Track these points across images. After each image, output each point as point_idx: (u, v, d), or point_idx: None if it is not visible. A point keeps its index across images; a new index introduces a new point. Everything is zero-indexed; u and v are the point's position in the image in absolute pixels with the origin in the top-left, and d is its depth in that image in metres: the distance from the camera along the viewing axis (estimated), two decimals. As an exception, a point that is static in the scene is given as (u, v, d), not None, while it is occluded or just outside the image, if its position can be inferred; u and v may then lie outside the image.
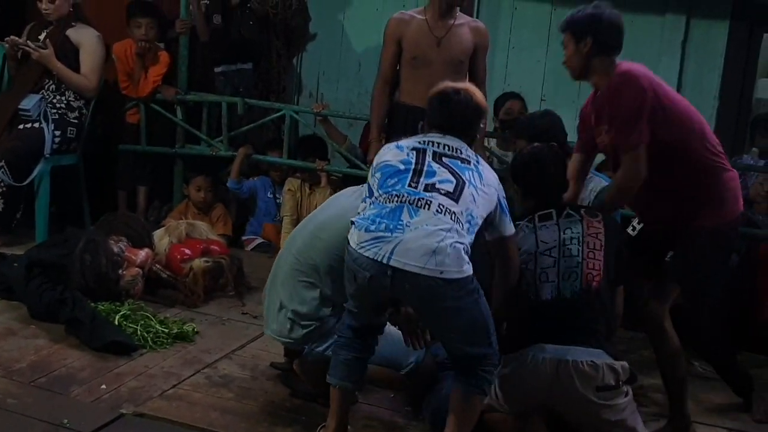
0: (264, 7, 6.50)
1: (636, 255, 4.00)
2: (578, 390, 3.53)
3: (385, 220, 3.28)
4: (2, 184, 5.63)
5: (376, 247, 3.25)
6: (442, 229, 3.23)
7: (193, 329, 4.66)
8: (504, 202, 3.57)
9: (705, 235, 3.90)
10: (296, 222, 6.15)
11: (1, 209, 5.67)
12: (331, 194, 5.78)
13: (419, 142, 3.50)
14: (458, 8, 5.03)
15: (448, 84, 3.66)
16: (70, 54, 5.83)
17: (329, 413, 3.59)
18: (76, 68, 5.83)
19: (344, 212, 3.69)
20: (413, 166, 3.40)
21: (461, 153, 3.49)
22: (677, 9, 6.18)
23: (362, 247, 3.28)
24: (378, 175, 3.46)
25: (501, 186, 3.58)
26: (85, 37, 5.88)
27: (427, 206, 3.28)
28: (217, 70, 6.56)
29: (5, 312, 4.71)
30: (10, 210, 5.73)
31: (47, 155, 5.72)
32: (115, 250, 4.91)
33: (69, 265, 4.78)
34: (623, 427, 3.62)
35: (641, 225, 4.13)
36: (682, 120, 3.86)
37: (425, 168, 3.39)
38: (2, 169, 5.57)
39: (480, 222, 3.41)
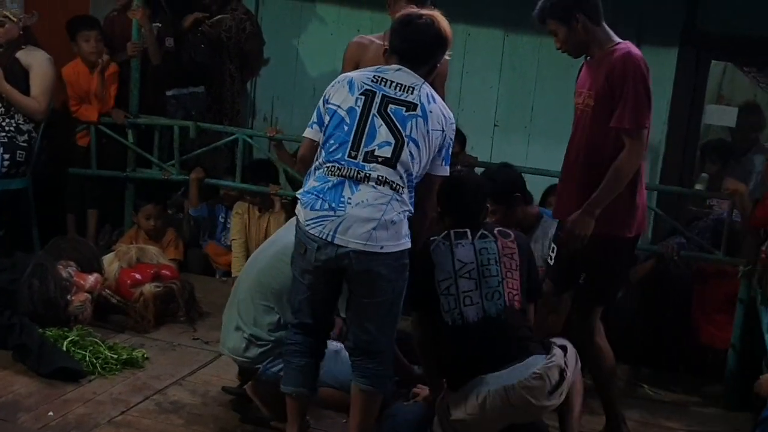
0: (217, 31, 6.48)
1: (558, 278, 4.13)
2: (534, 405, 3.55)
3: (327, 198, 3.40)
4: (-50, 207, 5.54)
5: (320, 225, 3.39)
6: (381, 204, 3.37)
7: (143, 355, 4.61)
8: (448, 143, 3.60)
9: (621, 246, 3.99)
10: (245, 245, 6.14)
11: (-50, 233, 5.59)
12: (285, 219, 5.78)
13: (372, 80, 3.51)
14: None
15: (415, 9, 3.70)
16: (19, 76, 5.76)
17: (288, 423, 3.65)
18: (26, 91, 5.76)
19: None
20: (356, 124, 3.44)
21: (411, 93, 3.49)
22: (626, 35, 6.24)
23: (308, 225, 3.43)
24: (327, 118, 3.52)
25: (452, 128, 3.60)
26: (35, 60, 5.82)
27: (366, 179, 3.39)
28: (169, 93, 6.52)
29: (-49, 338, 4.63)
30: (-42, 234, 5.64)
31: (-4, 179, 5.64)
32: (64, 275, 4.85)
33: (17, 290, 4.72)
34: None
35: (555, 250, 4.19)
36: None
37: (368, 127, 3.44)
38: (-50, 193, 5.49)
39: (424, 168, 3.52)
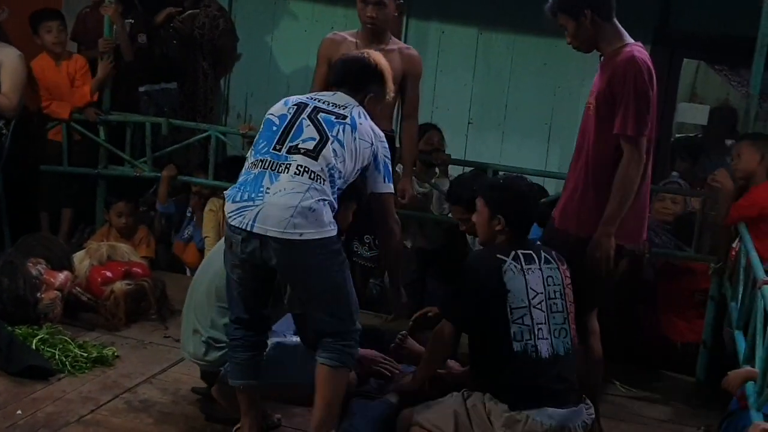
0: (189, 27, 6.45)
1: None
2: None
3: (248, 189, 3.47)
4: None
5: (240, 216, 3.43)
6: (298, 192, 3.39)
7: (113, 353, 4.58)
8: (383, 159, 3.67)
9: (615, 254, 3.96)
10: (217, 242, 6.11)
11: None
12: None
13: (307, 97, 3.69)
14: (390, 34, 5.01)
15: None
16: (-11, 73, 5.71)
17: (242, 414, 3.71)
18: (-4, 87, 5.71)
19: None
20: (285, 124, 3.56)
21: (342, 109, 3.60)
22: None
23: (230, 218, 3.47)
24: (261, 128, 3.65)
25: (383, 145, 3.68)
26: (5, 56, 5.75)
27: (286, 169, 3.45)
28: (141, 89, 6.49)
29: None
30: (-72, 232, 5.59)
31: (-34, 176, 5.60)
32: (34, 272, 4.81)
33: (-15, 288, 4.68)
34: None
35: None
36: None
37: (295, 127, 3.54)
38: None
39: (350, 174, 3.55)
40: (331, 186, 3.46)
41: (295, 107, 3.61)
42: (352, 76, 3.74)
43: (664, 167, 6.50)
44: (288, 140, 3.51)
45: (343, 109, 3.61)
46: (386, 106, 4.76)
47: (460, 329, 3.70)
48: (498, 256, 3.57)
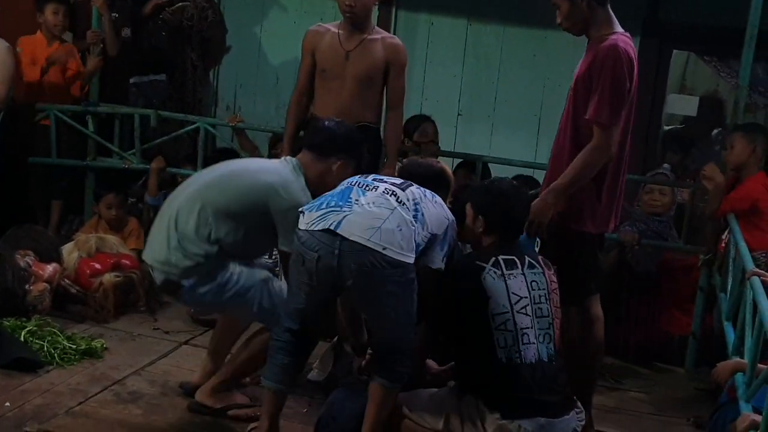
0: (178, 18, 6.42)
1: None
2: None
3: (334, 199, 3.47)
4: None
5: (325, 220, 3.38)
6: (388, 209, 3.38)
7: (102, 345, 4.58)
8: (449, 238, 3.59)
9: (583, 241, 4.00)
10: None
11: None
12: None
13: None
14: (372, 23, 4.97)
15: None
16: (-24, 66, 5.68)
17: (262, 413, 3.68)
18: (-16, 79, 5.68)
19: (269, 168, 3.89)
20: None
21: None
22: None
23: (312, 224, 3.40)
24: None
25: (453, 223, 3.61)
26: (-8, 48, 5.74)
27: (374, 189, 3.47)
28: (130, 81, 6.45)
29: None
30: None
31: (-47, 168, 5.57)
32: (22, 264, 4.79)
33: (-27, 280, 4.66)
34: None
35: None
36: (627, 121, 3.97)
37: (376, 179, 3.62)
38: None
39: (428, 227, 3.46)
40: (416, 222, 3.42)
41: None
42: (426, 181, 3.72)
43: (654, 159, 6.51)
44: (370, 178, 3.59)
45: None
46: (371, 95, 4.78)
47: (434, 332, 3.70)
48: (477, 263, 3.55)
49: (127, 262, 5.29)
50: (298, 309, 3.55)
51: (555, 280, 3.66)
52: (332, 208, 3.41)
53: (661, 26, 6.25)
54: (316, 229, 3.38)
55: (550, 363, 3.52)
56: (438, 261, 3.54)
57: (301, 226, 3.45)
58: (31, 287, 4.78)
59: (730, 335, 4.13)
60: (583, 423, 3.61)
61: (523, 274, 3.56)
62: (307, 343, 3.68)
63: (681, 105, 7.32)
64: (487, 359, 3.46)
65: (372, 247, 3.29)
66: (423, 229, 3.44)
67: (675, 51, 6.82)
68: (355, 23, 4.83)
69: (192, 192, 3.86)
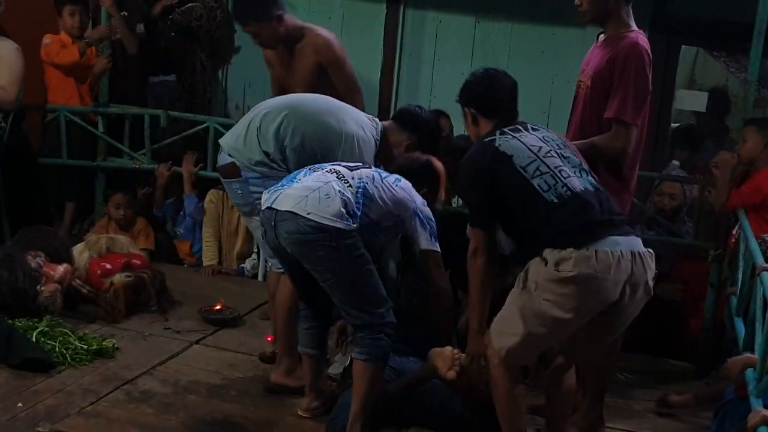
0: (187, 19, 6.44)
1: None
2: (646, 282, 3.42)
3: (284, 181, 3.83)
4: None
5: (269, 199, 3.76)
6: (321, 182, 3.69)
7: (114, 345, 4.59)
8: (422, 216, 3.99)
9: None
10: (217, 234, 6.11)
11: None
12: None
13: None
14: (304, 31, 4.93)
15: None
16: (-13, 67, 5.71)
17: (303, 376, 4.11)
18: (-6, 81, 5.71)
19: (360, 119, 4.27)
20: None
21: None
22: (598, 22, 6.29)
23: (263, 204, 3.79)
24: None
25: (424, 207, 4.01)
26: (3, 50, 5.75)
27: (321, 170, 3.80)
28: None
29: None
30: (-74, 226, 5.59)
31: (-35, 170, 5.59)
32: (33, 265, 4.81)
33: (-16, 281, 4.68)
34: None
35: None
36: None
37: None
38: None
39: (377, 205, 3.77)
40: (356, 195, 3.69)
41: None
42: (412, 172, 4.14)
43: (663, 155, 6.49)
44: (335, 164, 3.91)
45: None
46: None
47: (491, 228, 3.58)
48: (485, 140, 3.58)
49: (138, 261, 5.30)
50: (290, 276, 3.97)
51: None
52: (277, 188, 3.76)
53: (669, 21, 6.23)
54: (263, 207, 3.78)
55: (598, 190, 3.51)
56: (426, 241, 4.00)
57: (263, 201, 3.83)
58: (43, 288, 4.79)
59: (741, 331, 4.12)
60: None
61: (531, 133, 3.58)
62: (318, 307, 3.95)
63: (690, 101, 7.29)
64: (539, 209, 3.41)
65: (296, 212, 3.60)
66: (373, 204, 3.74)
67: (683, 46, 6.79)
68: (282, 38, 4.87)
69: (282, 103, 4.28)
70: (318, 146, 4.13)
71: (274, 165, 4.12)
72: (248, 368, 4.53)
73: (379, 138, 4.26)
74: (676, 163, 6.32)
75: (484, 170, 3.50)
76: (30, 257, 4.86)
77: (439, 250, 4.05)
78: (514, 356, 3.45)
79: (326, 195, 3.63)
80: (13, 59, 5.78)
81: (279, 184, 3.81)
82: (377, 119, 4.38)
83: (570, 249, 3.31)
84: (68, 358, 4.36)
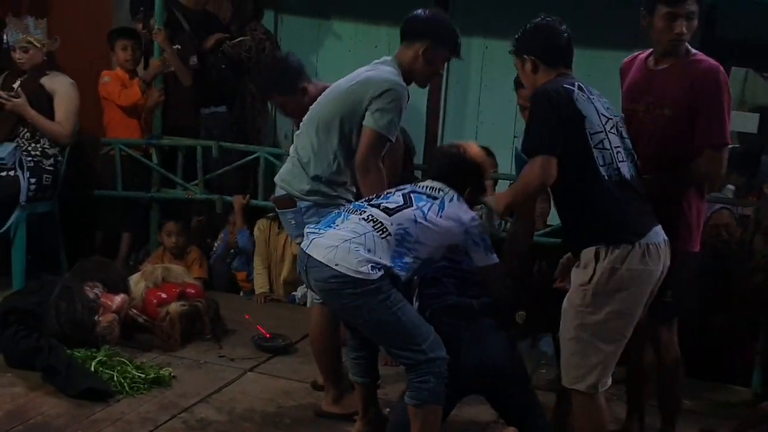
0: (237, 51, 6.54)
1: None
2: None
3: (323, 224, 3.74)
4: (-22, 232, 5.64)
5: (305, 241, 3.71)
6: (356, 231, 3.58)
7: (170, 373, 4.65)
8: (476, 236, 3.76)
9: (692, 260, 3.97)
10: (267, 262, 6.18)
11: (-22, 258, 5.69)
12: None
13: (411, 183, 3.95)
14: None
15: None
16: (44, 102, 5.85)
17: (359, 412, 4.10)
18: (51, 115, 5.86)
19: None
20: (381, 197, 3.80)
21: (435, 191, 3.79)
22: (646, 44, 6.28)
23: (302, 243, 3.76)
24: None
25: (473, 224, 3.76)
26: (59, 85, 5.92)
27: (359, 214, 3.67)
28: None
29: (-19, 361, 4.70)
30: (-14, 259, 5.74)
31: (23, 203, 5.72)
32: (91, 296, 4.89)
33: (45, 312, 4.77)
34: None
35: None
36: None
37: (385, 193, 3.81)
38: (-22, 219, 5.58)
39: (425, 245, 3.65)
40: (398, 245, 3.59)
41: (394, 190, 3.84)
42: (448, 171, 3.88)
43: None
44: (379, 200, 3.75)
45: (435, 191, 3.79)
46: None
47: (555, 157, 3.43)
48: (565, 86, 3.49)
49: (192, 291, 5.38)
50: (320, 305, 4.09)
51: None
52: (313, 231, 3.70)
53: (718, 43, 6.20)
54: (300, 246, 3.74)
55: (638, 179, 3.55)
56: (482, 258, 3.80)
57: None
58: (100, 318, 4.87)
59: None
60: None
61: (600, 100, 3.55)
62: (363, 336, 3.86)
63: (742, 122, 7.21)
64: (591, 181, 3.42)
65: (325, 263, 3.53)
66: (420, 246, 3.63)
67: (733, 68, 6.75)
68: None
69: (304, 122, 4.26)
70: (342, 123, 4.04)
71: (328, 190, 4.08)
72: (302, 396, 4.57)
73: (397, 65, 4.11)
74: (731, 187, 6.19)
75: (560, 113, 3.40)
76: (88, 288, 4.95)
77: (496, 260, 3.84)
78: (604, 383, 3.51)
79: (357, 247, 3.52)
80: (69, 94, 5.94)
81: (317, 226, 3.75)
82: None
83: (625, 245, 3.39)
84: (126, 387, 4.42)
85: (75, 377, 4.38)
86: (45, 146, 5.87)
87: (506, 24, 6.57)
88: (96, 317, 4.85)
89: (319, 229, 3.69)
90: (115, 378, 4.46)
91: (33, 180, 5.77)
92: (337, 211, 3.78)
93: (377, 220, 3.61)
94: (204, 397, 4.47)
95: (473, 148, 3.97)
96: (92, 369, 4.50)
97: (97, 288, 4.99)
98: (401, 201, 3.70)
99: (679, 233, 3.87)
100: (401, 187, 3.86)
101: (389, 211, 3.65)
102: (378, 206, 3.68)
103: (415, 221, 3.63)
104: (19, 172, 5.72)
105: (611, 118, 3.54)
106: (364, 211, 3.66)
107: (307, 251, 3.62)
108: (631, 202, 3.48)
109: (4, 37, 5.88)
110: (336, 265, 3.51)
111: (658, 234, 3.48)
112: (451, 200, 3.76)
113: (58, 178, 5.95)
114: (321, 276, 3.57)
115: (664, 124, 3.87)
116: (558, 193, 3.58)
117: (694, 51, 3.91)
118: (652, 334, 4.03)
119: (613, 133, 3.52)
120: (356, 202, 3.85)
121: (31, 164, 5.79)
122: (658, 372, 4.12)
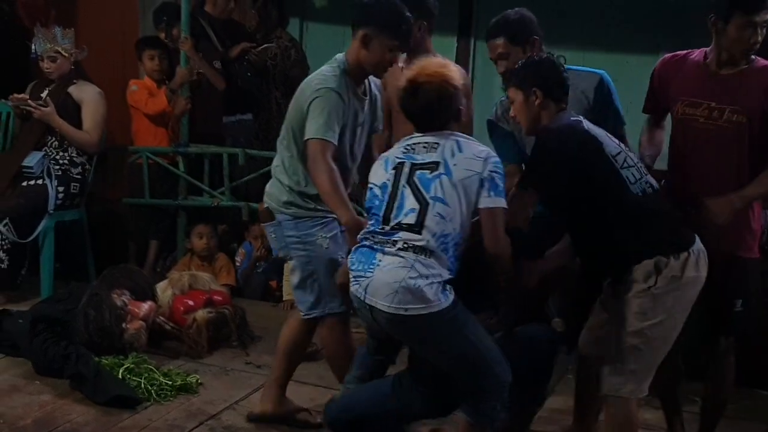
0: (262, 58, 6.57)
1: None
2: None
3: (362, 260, 3.49)
4: (7, 241, 5.69)
5: (356, 284, 3.48)
6: (404, 267, 3.36)
7: (197, 380, 4.66)
8: (490, 178, 3.45)
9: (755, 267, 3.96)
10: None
11: (6, 266, 5.75)
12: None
13: (404, 151, 3.59)
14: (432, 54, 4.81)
15: (419, 71, 3.61)
16: (72, 111, 5.91)
17: None
18: (78, 124, 5.91)
19: None
20: (388, 198, 3.52)
21: (434, 153, 3.50)
22: (671, 48, 6.24)
23: (352, 288, 3.52)
24: (366, 197, 3.66)
25: (489, 162, 3.47)
26: (86, 94, 5.97)
27: (393, 245, 3.42)
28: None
29: (10, 368, 4.74)
30: (15, 266, 5.80)
31: (51, 211, 5.78)
32: (119, 303, 4.92)
33: (73, 320, 4.81)
34: None
35: None
36: None
37: (397, 199, 3.50)
38: (7, 227, 5.64)
39: (462, 223, 3.43)
40: (444, 251, 3.40)
41: (394, 171, 3.55)
42: (433, 115, 3.59)
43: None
44: (393, 216, 3.48)
45: (435, 150, 3.51)
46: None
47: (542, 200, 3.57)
48: (570, 120, 3.53)
49: (219, 298, 5.39)
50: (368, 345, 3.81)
51: None
52: (360, 273, 3.46)
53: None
54: (351, 290, 3.52)
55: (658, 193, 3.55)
56: (486, 200, 3.44)
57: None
58: (128, 325, 4.90)
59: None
60: None
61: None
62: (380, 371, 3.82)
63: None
64: (625, 203, 3.43)
65: (394, 312, 3.36)
66: (460, 225, 3.42)
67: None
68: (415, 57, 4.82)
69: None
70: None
71: (302, 202, 3.97)
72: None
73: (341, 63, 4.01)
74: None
75: (571, 159, 3.41)
76: (115, 295, 4.97)
77: (504, 204, 3.47)
78: (643, 389, 3.53)
79: (415, 285, 3.32)
80: (97, 103, 6.00)
81: (358, 267, 3.48)
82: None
83: (683, 253, 3.40)
84: (153, 394, 4.44)
85: (103, 384, 4.40)
86: (73, 155, 5.93)
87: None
88: (124, 324, 4.88)
89: (365, 271, 3.45)
90: (143, 385, 4.48)
91: (61, 188, 5.83)
92: (365, 245, 3.52)
93: (413, 245, 3.39)
94: (231, 404, 4.48)
95: (448, 73, 3.60)
96: (120, 376, 4.53)
97: (124, 295, 5.02)
98: (415, 205, 3.45)
99: (746, 241, 3.88)
100: (398, 162, 3.55)
101: (415, 228, 3.42)
102: (400, 227, 3.45)
103: (441, 217, 3.41)
104: (47, 181, 5.78)
105: (615, 138, 3.57)
106: (395, 241, 3.43)
107: (367, 302, 3.43)
108: (670, 211, 3.51)
109: (33, 46, 5.94)
110: (406, 310, 3.34)
111: (699, 241, 3.49)
112: (451, 154, 3.49)
113: (85, 187, 6.01)
114: (393, 321, 3.40)
115: (734, 131, 3.81)
116: (589, 224, 3.53)
117: (753, 57, 3.85)
118: (711, 341, 4.02)
119: (626, 151, 3.53)
120: (374, 226, 3.55)
121: (59, 173, 5.85)
122: (711, 379, 4.10)
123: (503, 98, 4.20)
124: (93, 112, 5.96)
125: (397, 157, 3.59)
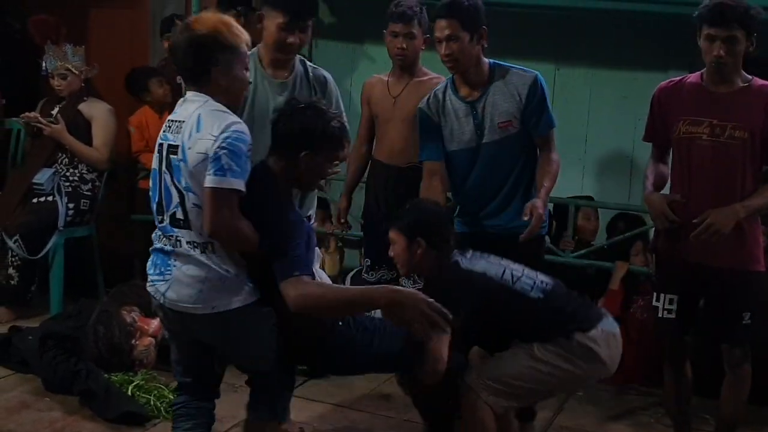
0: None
1: None
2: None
3: (159, 263, 3.33)
4: (17, 257, 5.72)
5: (152, 286, 3.35)
6: (202, 263, 3.18)
7: (206, 397, 4.66)
8: (215, 157, 3.03)
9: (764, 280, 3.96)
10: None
11: (16, 282, 5.78)
12: (340, 259, 5.82)
13: (165, 128, 3.27)
14: (420, 66, 5.04)
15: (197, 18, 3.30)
16: (82, 128, 5.95)
17: None
18: (89, 141, 5.94)
19: None
20: (157, 187, 3.25)
21: (178, 132, 3.16)
22: (679, 65, 6.26)
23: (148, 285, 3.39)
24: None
25: (216, 140, 3.04)
26: (97, 111, 6.00)
27: (178, 244, 3.21)
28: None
29: (20, 385, 4.75)
30: (25, 283, 5.83)
31: (61, 228, 5.81)
32: (128, 320, 4.93)
33: (82, 336, 4.83)
34: None
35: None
36: None
37: (163, 189, 3.21)
38: (17, 243, 5.66)
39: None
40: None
41: (158, 154, 3.25)
42: (188, 62, 3.22)
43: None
44: (165, 209, 3.23)
45: (179, 131, 3.16)
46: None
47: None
48: (446, 260, 3.56)
49: (228, 314, 5.39)
50: (176, 359, 3.67)
51: None
52: (157, 278, 3.36)
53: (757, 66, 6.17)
54: (150, 291, 3.42)
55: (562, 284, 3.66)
56: (208, 176, 3.05)
57: None
58: (137, 342, 4.91)
59: None
60: None
61: (482, 256, 3.63)
62: (206, 400, 3.76)
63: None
64: (529, 311, 3.51)
65: (200, 312, 3.24)
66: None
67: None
68: (404, 67, 4.97)
69: None
70: None
71: None
72: (337, 419, 4.58)
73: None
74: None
75: (476, 310, 3.45)
76: (125, 312, 4.98)
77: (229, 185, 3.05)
78: (500, 403, 3.53)
79: (219, 279, 3.20)
80: (107, 120, 6.03)
81: (154, 265, 3.41)
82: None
83: (579, 333, 3.47)
84: (163, 411, 4.44)
85: (112, 401, 4.42)
86: (83, 172, 5.95)
87: (539, 46, 6.64)
88: (133, 341, 4.89)
89: (163, 272, 3.31)
90: (152, 402, 4.49)
91: (71, 205, 5.85)
92: (158, 247, 3.35)
93: (194, 242, 3.20)
94: (240, 421, 4.44)
95: (202, 19, 3.24)
96: (129, 393, 4.54)
97: (134, 312, 5.02)
98: (176, 197, 3.18)
99: (753, 254, 3.90)
100: (159, 143, 3.25)
101: (186, 224, 3.19)
102: (178, 222, 3.19)
103: (200, 208, 3.12)
104: (57, 198, 5.80)
105: (499, 260, 3.61)
106: (178, 239, 3.23)
107: (166, 305, 3.33)
108: (569, 301, 3.62)
109: (43, 64, 5.97)
110: (213, 308, 3.22)
111: (612, 324, 3.62)
112: (189, 135, 3.12)
113: (95, 203, 6.03)
114: (206, 325, 3.29)
115: (738, 146, 3.84)
116: (501, 335, 3.62)
117: (750, 77, 3.88)
118: (726, 355, 4.01)
119: (508, 264, 3.59)
120: (160, 225, 3.31)
121: (69, 189, 5.87)
122: (727, 391, 4.08)
123: (438, 90, 4.32)
124: (103, 129, 5.99)
125: (160, 138, 3.27)
